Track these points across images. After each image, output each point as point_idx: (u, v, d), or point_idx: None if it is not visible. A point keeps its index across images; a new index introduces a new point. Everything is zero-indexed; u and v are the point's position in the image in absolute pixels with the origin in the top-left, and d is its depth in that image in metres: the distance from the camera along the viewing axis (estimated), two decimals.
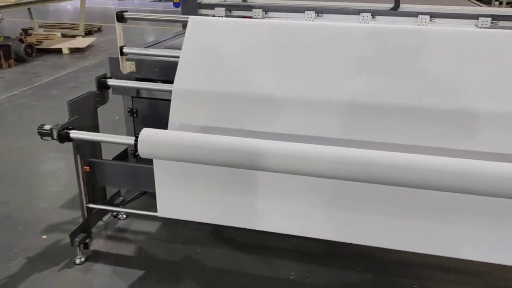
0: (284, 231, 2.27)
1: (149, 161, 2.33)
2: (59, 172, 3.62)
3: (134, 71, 2.81)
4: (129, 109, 3.00)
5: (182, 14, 4.30)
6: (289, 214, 2.25)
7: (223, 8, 4.25)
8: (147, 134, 2.13)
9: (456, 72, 2.10)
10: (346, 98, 2.18)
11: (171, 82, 2.71)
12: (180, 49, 2.96)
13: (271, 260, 2.56)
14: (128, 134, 3.06)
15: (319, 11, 4.06)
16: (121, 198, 2.92)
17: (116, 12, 2.61)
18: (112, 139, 2.25)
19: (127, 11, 2.63)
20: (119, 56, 2.70)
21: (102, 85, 2.58)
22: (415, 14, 3.87)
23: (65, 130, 2.25)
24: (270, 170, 2.00)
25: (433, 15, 3.81)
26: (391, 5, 3.96)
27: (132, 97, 2.97)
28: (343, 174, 1.94)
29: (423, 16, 3.83)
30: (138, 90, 2.91)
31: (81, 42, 7.88)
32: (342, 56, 2.23)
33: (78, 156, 2.41)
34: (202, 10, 4.35)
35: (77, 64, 6.92)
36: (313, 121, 2.24)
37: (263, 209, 2.28)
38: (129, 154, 3.03)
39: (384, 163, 1.89)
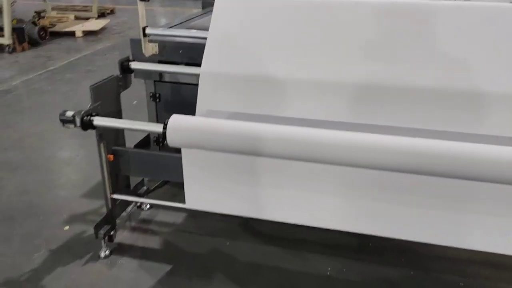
0: (315, 224, 2.13)
1: (173, 149, 2.18)
2: (77, 159, 3.50)
3: (157, 53, 2.65)
4: (151, 94, 2.85)
5: None
6: (321, 206, 2.10)
7: None
8: (177, 121, 1.97)
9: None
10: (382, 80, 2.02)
11: (196, 64, 2.57)
12: (204, 30, 2.83)
13: (304, 254, 2.42)
14: (150, 120, 2.92)
15: None
16: (145, 187, 2.80)
17: None
18: (138, 126, 2.11)
19: None
20: (142, 38, 2.54)
21: (125, 69, 2.43)
22: None
23: (89, 117, 2.11)
24: (310, 160, 1.84)
25: None
26: None
27: (155, 81, 2.82)
28: (386, 163, 1.79)
29: None
30: (161, 74, 2.76)
31: (95, 24, 7.70)
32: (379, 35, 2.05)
33: (101, 145, 2.28)
34: None
35: (91, 47, 6.76)
36: (350, 106, 2.07)
37: (295, 201, 2.13)
38: (151, 142, 2.89)
39: (419, 151, 1.73)
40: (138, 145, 2.78)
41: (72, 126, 2.14)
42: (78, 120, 2.10)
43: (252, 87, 2.20)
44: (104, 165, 2.32)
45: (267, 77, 2.17)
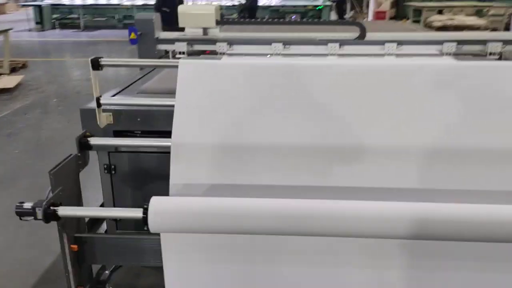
0: None
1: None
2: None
3: (112, 123, 2.46)
4: (105, 166, 2.62)
5: (139, 50, 3.98)
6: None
7: (185, 43, 3.97)
8: (160, 204, 1.81)
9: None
10: (366, 143, 2.02)
11: (155, 132, 2.45)
12: (158, 93, 2.70)
13: None
14: (105, 195, 2.68)
15: (287, 43, 3.92)
16: (107, 272, 2.52)
17: (91, 59, 2.26)
18: (113, 213, 1.91)
19: (102, 57, 2.29)
20: (96, 108, 2.35)
21: (83, 146, 2.20)
22: (381, 43, 3.85)
23: (52, 207, 1.87)
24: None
25: (399, 42, 3.81)
26: (356, 35, 3.91)
27: (109, 152, 2.61)
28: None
29: (390, 44, 3.81)
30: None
31: (9, 81, 7.15)
32: (355, 97, 2.07)
33: (64, 235, 2.02)
34: (160, 45, 4.04)
35: (8, 106, 6.24)
36: (341, 170, 2.04)
37: (290, 280, 2.03)
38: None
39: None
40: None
41: (31, 218, 1.88)
42: (40, 213, 1.85)
43: (228, 155, 2.09)
44: (68, 257, 2.06)
45: (243, 144, 2.09)
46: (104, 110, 2.43)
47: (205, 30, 3.97)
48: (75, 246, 2.07)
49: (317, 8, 15.10)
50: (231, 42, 3.95)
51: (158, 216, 1.78)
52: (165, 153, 2.45)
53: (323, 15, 15.47)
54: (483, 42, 3.76)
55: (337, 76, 2.12)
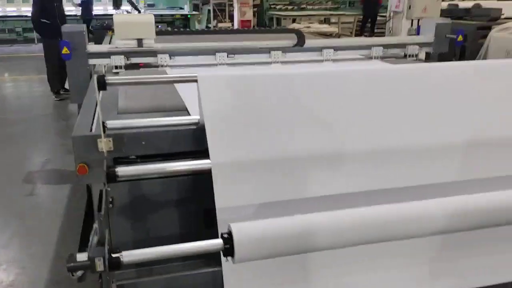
0: None
1: None
2: None
3: (112, 149, 2.16)
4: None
5: (70, 65, 3.53)
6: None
7: (122, 56, 3.64)
8: (244, 230, 1.65)
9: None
10: (396, 144, 2.12)
11: (162, 156, 2.23)
12: (143, 112, 2.46)
13: None
14: (100, 232, 2.32)
15: (230, 52, 3.87)
16: None
17: (97, 77, 1.96)
18: (184, 250, 1.66)
19: (106, 75, 2.01)
20: (102, 134, 2.04)
21: (111, 178, 1.88)
22: (319, 49, 4.05)
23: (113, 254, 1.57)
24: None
25: (335, 48, 4.06)
26: (294, 42, 4.04)
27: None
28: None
29: (327, 50, 4.04)
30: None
31: None
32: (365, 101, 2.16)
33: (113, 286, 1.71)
34: (93, 59, 3.64)
35: None
36: (380, 172, 2.10)
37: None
38: None
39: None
40: None
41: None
42: (100, 263, 1.55)
43: (270, 171, 2.00)
44: None
45: (284, 157, 2.02)
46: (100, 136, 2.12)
47: (140, 42, 3.69)
48: None
49: (188, 16, 15.05)
50: (172, 54, 3.76)
51: (245, 244, 1.63)
52: (173, 176, 2.27)
53: (191, 23, 15.48)
54: (403, 45, 4.20)
55: (358, 82, 2.19)
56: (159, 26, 15.01)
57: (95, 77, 1.97)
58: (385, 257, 2.04)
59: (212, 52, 3.83)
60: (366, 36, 12.60)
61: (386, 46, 4.15)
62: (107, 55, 3.65)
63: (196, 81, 2.08)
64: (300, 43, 3.99)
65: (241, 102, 2.07)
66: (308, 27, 13.67)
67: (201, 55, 3.83)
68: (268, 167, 1.99)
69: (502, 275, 2.26)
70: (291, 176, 2.00)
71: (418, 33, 4.48)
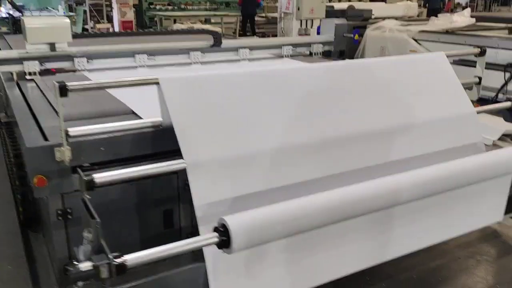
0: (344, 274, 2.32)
1: None
2: None
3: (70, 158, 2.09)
4: (59, 212, 2.19)
5: None
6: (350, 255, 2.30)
7: (36, 61, 3.41)
8: (238, 221, 1.75)
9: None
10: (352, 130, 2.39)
11: (124, 160, 2.21)
12: (90, 118, 2.41)
13: None
14: (57, 247, 2.22)
15: (150, 54, 3.85)
16: None
17: (59, 85, 1.90)
18: (180, 248, 1.70)
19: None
20: (64, 142, 1.97)
21: (90, 186, 1.83)
22: (235, 49, 4.23)
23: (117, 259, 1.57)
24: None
25: (251, 48, 4.26)
26: (211, 43, 4.15)
27: (63, 193, 2.18)
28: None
29: (243, 50, 4.23)
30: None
31: None
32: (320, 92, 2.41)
33: None
34: (3, 66, 3.36)
35: None
36: (339, 157, 2.33)
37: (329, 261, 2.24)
38: None
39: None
40: None
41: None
42: (105, 270, 1.53)
43: (244, 164, 2.12)
44: None
45: (252, 150, 2.15)
46: (58, 145, 2.05)
47: (52, 46, 3.51)
48: None
49: None
50: (89, 57, 3.63)
51: (242, 234, 1.73)
52: (133, 180, 2.26)
53: None
54: (309, 44, 4.57)
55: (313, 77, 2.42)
56: None
57: (56, 83, 1.89)
58: (344, 234, 2.28)
59: (131, 54, 3.78)
60: (248, 35, 13.06)
61: (295, 45, 4.47)
62: (18, 61, 3.40)
63: (157, 83, 2.10)
64: (217, 44, 4.12)
65: (204, 101, 2.15)
66: (192, 26, 13.74)
67: (120, 57, 3.76)
68: (239, 161, 2.10)
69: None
70: (260, 168, 2.13)
71: (318, 33, 4.88)
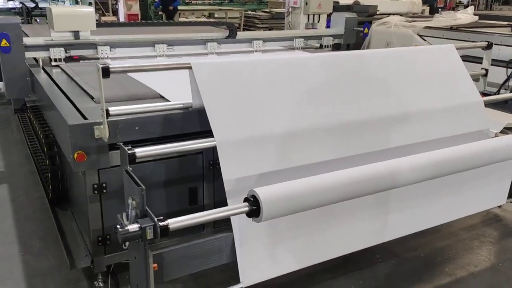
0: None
1: None
2: None
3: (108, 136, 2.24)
4: (95, 186, 2.35)
5: (5, 58, 3.37)
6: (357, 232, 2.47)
7: (62, 49, 3.57)
8: (268, 193, 1.91)
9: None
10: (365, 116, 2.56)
11: (153, 140, 2.37)
12: (119, 101, 2.54)
13: None
14: (92, 219, 2.39)
15: (169, 44, 4.00)
16: None
17: (102, 66, 2.05)
18: (216, 215, 1.86)
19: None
20: (105, 120, 2.13)
21: (133, 160, 1.98)
22: (249, 40, 4.38)
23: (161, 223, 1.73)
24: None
25: (264, 40, 4.42)
26: (226, 34, 4.31)
27: (99, 169, 2.34)
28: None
29: (257, 41, 4.38)
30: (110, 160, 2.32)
31: None
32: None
33: (149, 254, 1.85)
34: (30, 52, 3.51)
35: None
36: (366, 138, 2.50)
37: (342, 236, 2.42)
38: None
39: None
40: None
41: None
42: (151, 232, 1.70)
43: (266, 144, 2.28)
44: (151, 279, 1.89)
45: (277, 132, 2.31)
46: (98, 123, 2.21)
47: (77, 34, 3.67)
48: (155, 266, 1.92)
49: None
50: (112, 46, 3.79)
51: (271, 204, 1.89)
52: (162, 159, 2.42)
53: None
54: (319, 37, 4.73)
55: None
56: (37, 20, 13.98)
57: (99, 65, 2.04)
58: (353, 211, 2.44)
59: (152, 44, 3.94)
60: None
61: (306, 38, 4.63)
62: (44, 47, 3.55)
63: (190, 68, 2.26)
64: (232, 35, 4.27)
65: (232, 85, 2.31)
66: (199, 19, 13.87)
67: (141, 47, 3.91)
68: (264, 141, 2.25)
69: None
70: (284, 148, 2.30)
71: (328, 26, 5.04)
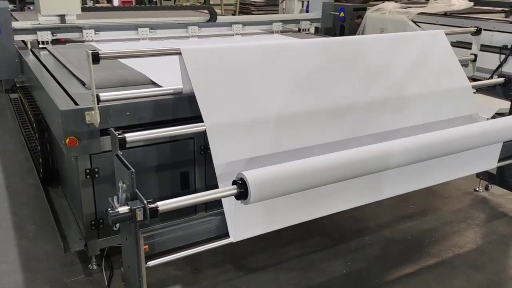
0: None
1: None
2: None
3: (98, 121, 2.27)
4: (87, 171, 2.39)
5: None
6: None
7: (49, 32, 3.62)
8: (255, 176, 1.95)
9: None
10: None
11: (144, 125, 2.40)
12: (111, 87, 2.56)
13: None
14: (85, 204, 2.43)
15: (152, 27, 4.04)
16: None
17: (92, 52, 2.07)
18: (206, 197, 1.91)
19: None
20: (95, 105, 2.16)
21: (123, 145, 2.02)
22: (229, 24, 4.44)
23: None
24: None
25: (243, 23, 4.47)
26: (206, 18, 4.40)
27: (91, 154, 2.37)
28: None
29: (236, 25, 4.44)
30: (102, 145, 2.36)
31: None
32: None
33: (140, 236, 1.89)
34: (18, 36, 3.57)
35: None
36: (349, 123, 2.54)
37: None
38: None
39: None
40: None
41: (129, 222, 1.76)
42: (140, 213, 1.74)
43: (257, 129, 2.30)
44: (142, 260, 1.94)
45: (265, 118, 2.34)
46: (89, 109, 2.24)
47: (63, 18, 3.73)
48: (147, 247, 1.97)
49: None
50: (97, 29, 3.84)
51: (260, 187, 1.93)
52: (153, 145, 2.46)
53: None
54: (297, 21, 4.84)
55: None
56: (31, 8, 13.89)
57: (89, 51, 2.06)
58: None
59: (135, 27, 3.99)
60: None
61: (284, 22, 4.73)
62: (32, 31, 3.62)
63: (179, 53, 2.28)
64: (212, 19, 4.33)
65: (221, 70, 2.33)
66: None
67: (124, 30, 3.97)
68: (255, 126, 2.29)
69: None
70: (275, 132, 2.33)
71: (307, 11, 5.15)
